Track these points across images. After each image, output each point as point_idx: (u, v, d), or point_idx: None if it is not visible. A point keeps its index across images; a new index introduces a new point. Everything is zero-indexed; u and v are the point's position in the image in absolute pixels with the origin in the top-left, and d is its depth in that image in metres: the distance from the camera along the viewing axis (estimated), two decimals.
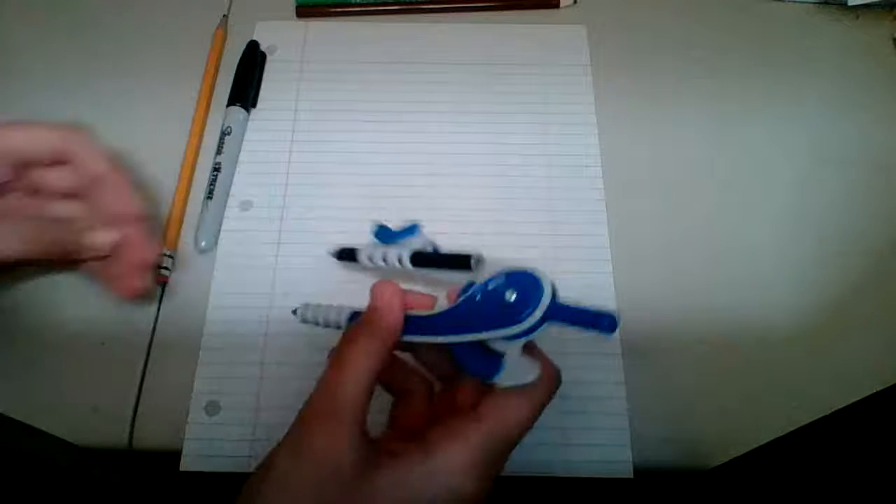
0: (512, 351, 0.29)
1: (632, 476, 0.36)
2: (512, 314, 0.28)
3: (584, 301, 0.28)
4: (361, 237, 0.40)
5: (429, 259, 0.36)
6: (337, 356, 0.29)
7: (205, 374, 0.38)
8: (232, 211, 0.43)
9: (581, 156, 0.45)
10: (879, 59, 0.49)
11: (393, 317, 0.30)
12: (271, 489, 0.27)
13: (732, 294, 0.41)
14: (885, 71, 0.49)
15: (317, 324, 0.35)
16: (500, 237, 0.42)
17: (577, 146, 0.46)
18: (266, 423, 0.37)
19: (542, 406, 0.29)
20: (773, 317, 0.40)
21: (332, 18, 0.51)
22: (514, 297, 0.28)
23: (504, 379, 0.28)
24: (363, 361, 0.29)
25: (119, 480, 0.38)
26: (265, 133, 0.46)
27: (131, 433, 0.37)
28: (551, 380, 0.30)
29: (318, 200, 0.44)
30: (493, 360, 0.29)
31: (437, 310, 0.31)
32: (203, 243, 0.42)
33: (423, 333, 0.31)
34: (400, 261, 0.37)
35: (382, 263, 0.37)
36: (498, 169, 0.45)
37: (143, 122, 0.46)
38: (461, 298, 0.31)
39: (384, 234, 0.38)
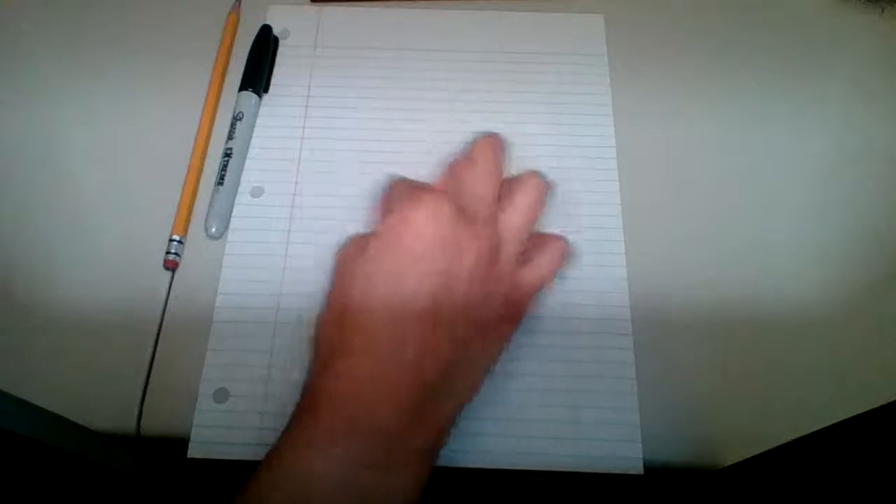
0: None
1: (642, 472, 0.36)
2: None
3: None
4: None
5: None
6: None
7: (214, 361, 0.38)
8: (243, 197, 0.43)
9: (596, 147, 0.45)
10: None
11: None
12: None
13: (749, 290, 0.40)
14: None
15: None
16: None
17: (592, 138, 0.45)
18: (275, 411, 0.37)
19: None
20: (792, 314, 0.40)
21: (346, 3, 0.50)
22: None
23: None
24: None
25: (128, 466, 0.38)
26: (277, 119, 0.45)
27: (139, 419, 0.37)
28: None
29: (329, 187, 0.43)
30: None
31: None
32: (213, 229, 0.41)
33: None
34: None
35: None
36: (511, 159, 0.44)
37: (154, 107, 0.45)
38: None
39: None
